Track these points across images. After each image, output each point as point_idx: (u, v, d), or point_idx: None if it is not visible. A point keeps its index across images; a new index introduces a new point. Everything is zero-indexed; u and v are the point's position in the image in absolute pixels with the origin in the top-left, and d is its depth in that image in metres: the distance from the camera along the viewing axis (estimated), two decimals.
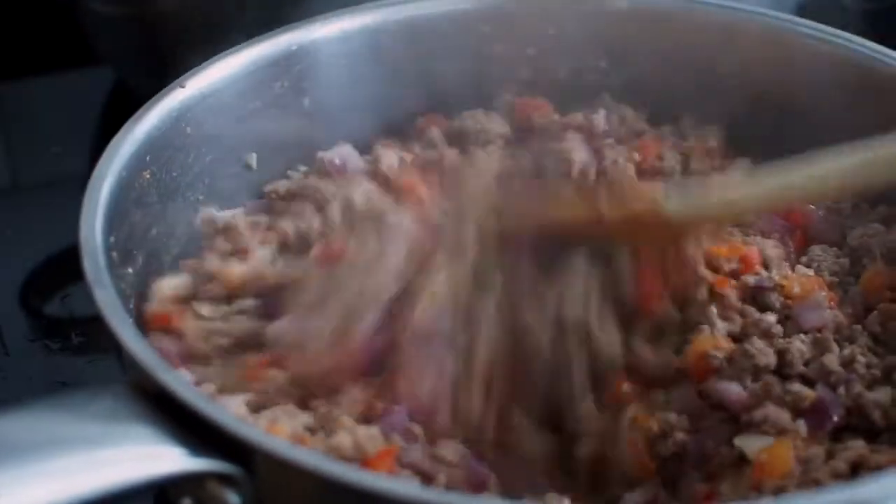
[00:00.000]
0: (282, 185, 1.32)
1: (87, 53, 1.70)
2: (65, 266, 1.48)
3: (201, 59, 1.29)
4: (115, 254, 1.10)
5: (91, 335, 1.39)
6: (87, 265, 1.03)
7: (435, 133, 1.39)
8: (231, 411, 1.02)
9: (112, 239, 1.09)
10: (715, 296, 1.13)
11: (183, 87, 1.24)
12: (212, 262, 1.18)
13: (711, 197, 1.14)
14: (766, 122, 1.39)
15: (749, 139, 1.39)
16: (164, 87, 1.25)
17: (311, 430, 1.04)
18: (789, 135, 1.37)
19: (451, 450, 1.03)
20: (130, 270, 1.15)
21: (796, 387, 1.05)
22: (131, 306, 1.13)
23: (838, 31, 1.34)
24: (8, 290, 1.46)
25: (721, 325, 1.11)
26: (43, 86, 1.82)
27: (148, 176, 1.19)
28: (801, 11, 1.40)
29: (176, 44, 1.52)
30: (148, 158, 1.19)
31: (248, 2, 1.51)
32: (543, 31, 1.41)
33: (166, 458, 0.90)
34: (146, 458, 0.90)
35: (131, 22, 1.60)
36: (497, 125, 1.39)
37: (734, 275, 1.16)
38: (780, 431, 1.02)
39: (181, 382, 0.93)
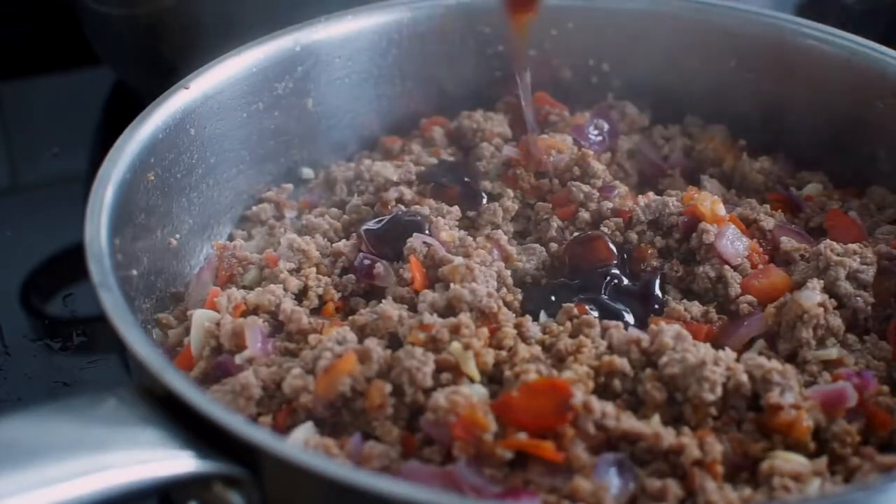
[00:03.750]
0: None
1: (87, 53, 1.70)
2: (66, 266, 1.50)
3: (201, 60, 1.28)
4: (120, 256, 1.09)
5: (92, 335, 1.39)
6: (93, 268, 1.03)
7: (437, 133, 1.40)
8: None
9: (117, 241, 1.09)
10: None
11: (187, 88, 1.24)
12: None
13: None
14: (768, 121, 1.39)
15: (750, 137, 1.40)
16: (164, 87, 1.25)
17: None
18: (791, 132, 1.39)
19: None
20: (135, 272, 1.15)
21: None
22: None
23: (839, 31, 1.35)
24: (8, 290, 1.46)
25: None
26: (43, 86, 1.82)
27: (152, 178, 1.19)
28: (802, 11, 1.40)
29: (176, 44, 1.53)
30: (152, 160, 1.19)
31: (249, 3, 1.50)
32: (545, 32, 1.41)
33: (173, 461, 0.90)
34: (152, 461, 0.90)
35: (131, 22, 1.59)
36: (495, 124, 1.39)
37: None
38: None
39: (188, 385, 0.93)
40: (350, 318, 1.15)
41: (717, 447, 1.02)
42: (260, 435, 0.90)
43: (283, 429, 1.04)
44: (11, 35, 1.84)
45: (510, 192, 1.30)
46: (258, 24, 1.35)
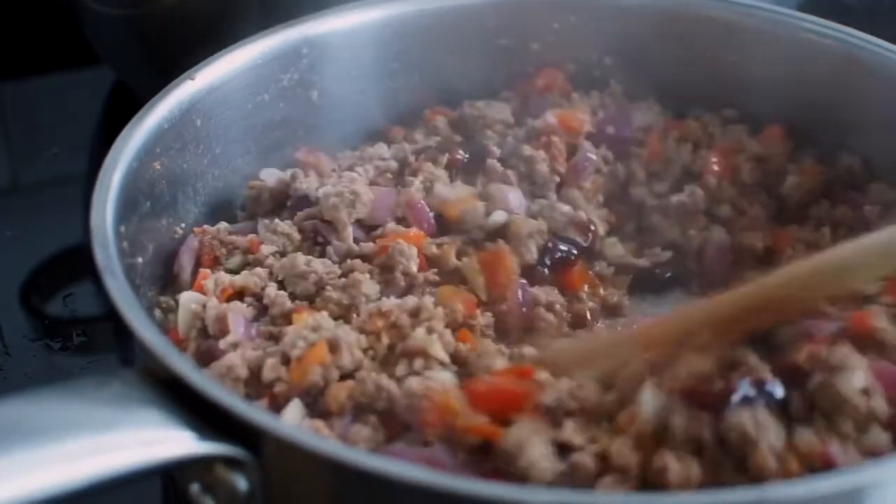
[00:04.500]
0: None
1: (87, 53, 1.70)
2: (66, 266, 1.50)
3: (201, 60, 1.28)
4: (125, 243, 1.10)
5: (92, 335, 1.39)
6: (99, 254, 1.03)
7: (440, 122, 1.40)
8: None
9: (122, 228, 1.10)
10: None
11: (192, 79, 1.24)
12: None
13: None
14: (771, 117, 1.39)
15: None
16: (164, 86, 1.24)
17: None
18: (794, 128, 1.39)
19: None
20: (140, 260, 1.15)
21: None
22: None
23: (844, 27, 1.35)
24: (8, 290, 1.45)
25: None
26: (43, 86, 1.82)
27: (158, 167, 1.19)
28: (801, 10, 1.40)
29: (176, 43, 1.53)
30: (158, 150, 1.19)
31: (250, 2, 1.50)
32: (548, 25, 1.42)
33: (175, 442, 0.90)
34: (155, 441, 0.90)
35: (131, 22, 1.60)
36: (496, 111, 1.39)
37: None
38: None
39: (191, 367, 0.93)
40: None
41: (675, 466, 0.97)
42: (261, 416, 0.90)
43: (274, 411, 1.04)
44: (11, 35, 1.83)
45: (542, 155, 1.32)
46: (259, 24, 1.35)
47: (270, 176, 1.30)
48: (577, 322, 1.21)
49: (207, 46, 1.31)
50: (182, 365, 0.93)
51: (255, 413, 0.90)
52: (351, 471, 0.87)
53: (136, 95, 1.67)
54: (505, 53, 1.43)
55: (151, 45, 1.59)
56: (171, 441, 0.90)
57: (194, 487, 0.94)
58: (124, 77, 1.74)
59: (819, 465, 0.96)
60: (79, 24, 1.67)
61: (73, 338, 1.39)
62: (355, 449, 0.95)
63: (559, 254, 1.24)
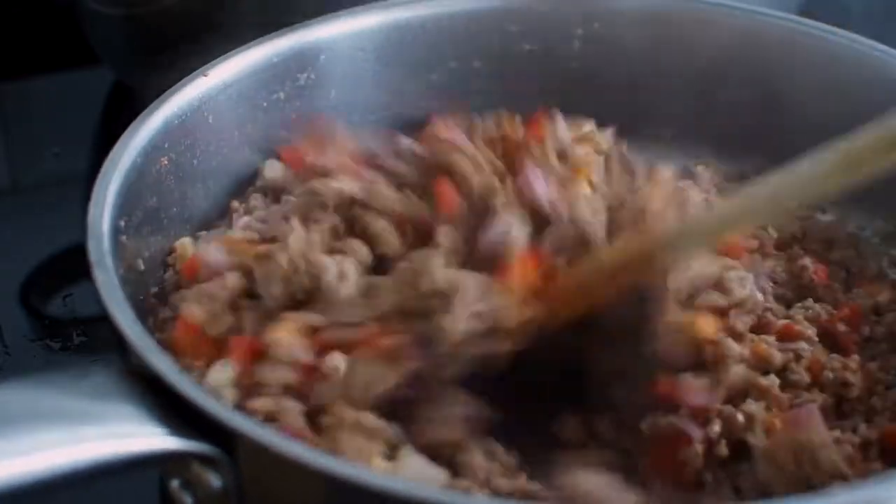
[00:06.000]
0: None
1: (87, 53, 1.69)
2: (66, 266, 1.49)
3: (201, 60, 1.28)
4: (124, 237, 1.09)
5: (92, 335, 1.38)
6: (91, 246, 1.03)
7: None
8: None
9: (122, 223, 1.09)
10: None
11: (206, 75, 1.24)
12: None
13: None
14: (770, 122, 1.39)
15: (753, 139, 1.39)
16: (164, 86, 1.24)
17: None
18: (793, 134, 1.37)
19: None
20: (147, 255, 1.15)
21: None
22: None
23: (842, 31, 1.35)
24: (8, 290, 1.45)
25: None
26: (43, 86, 1.81)
27: (166, 162, 1.19)
28: (802, 12, 1.41)
29: (176, 44, 1.52)
30: (166, 145, 1.18)
31: (250, 2, 1.50)
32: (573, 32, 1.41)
33: (149, 437, 0.90)
34: (128, 435, 0.90)
35: (131, 22, 1.59)
36: None
37: None
38: None
39: (170, 365, 0.93)
40: None
41: None
42: (233, 417, 0.90)
43: None
44: (11, 35, 1.83)
45: None
46: (259, 24, 1.35)
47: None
48: None
49: (208, 46, 1.30)
50: (160, 362, 0.93)
51: (228, 414, 0.90)
52: (321, 475, 0.86)
53: (136, 95, 1.67)
54: (529, 59, 1.41)
55: (151, 45, 1.59)
56: (145, 436, 0.90)
57: (174, 483, 0.95)
58: (124, 77, 1.74)
59: None
60: (79, 24, 1.67)
61: (73, 338, 1.38)
62: (324, 454, 0.93)
63: None
